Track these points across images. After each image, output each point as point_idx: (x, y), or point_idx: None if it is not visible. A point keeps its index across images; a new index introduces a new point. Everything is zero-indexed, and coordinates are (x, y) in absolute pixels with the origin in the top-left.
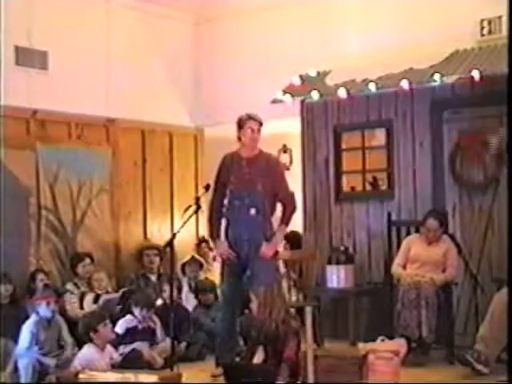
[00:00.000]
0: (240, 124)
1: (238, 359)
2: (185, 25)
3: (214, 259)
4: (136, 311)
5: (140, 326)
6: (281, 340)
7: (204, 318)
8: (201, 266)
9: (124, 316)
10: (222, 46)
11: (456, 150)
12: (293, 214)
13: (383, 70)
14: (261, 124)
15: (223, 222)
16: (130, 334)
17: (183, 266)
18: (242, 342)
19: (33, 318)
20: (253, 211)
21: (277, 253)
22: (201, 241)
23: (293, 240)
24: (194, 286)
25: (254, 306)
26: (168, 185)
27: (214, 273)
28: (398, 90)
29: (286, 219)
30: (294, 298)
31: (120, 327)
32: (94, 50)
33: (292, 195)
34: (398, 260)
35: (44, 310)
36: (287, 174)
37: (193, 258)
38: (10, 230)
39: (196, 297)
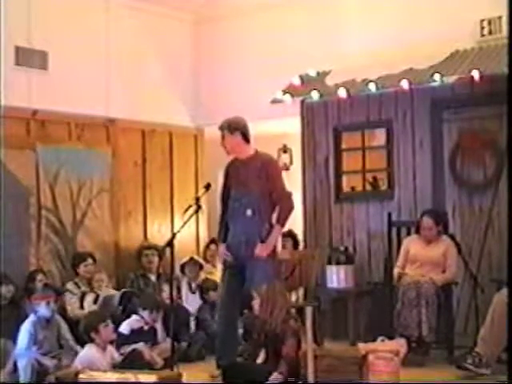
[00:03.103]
0: None
1: (239, 359)
2: (185, 24)
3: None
4: (144, 314)
5: (146, 328)
6: (280, 339)
7: (210, 317)
8: (200, 267)
9: (128, 316)
10: (222, 46)
11: (456, 149)
12: (289, 214)
13: (383, 70)
14: (228, 129)
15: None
16: (135, 335)
17: (182, 266)
18: (243, 343)
19: (31, 318)
20: (249, 212)
21: (274, 252)
22: (210, 242)
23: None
24: (198, 286)
25: (256, 303)
26: (168, 185)
27: (217, 273)
28: (397, 90)
29: (280, 219)
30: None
31: (125, 328)
32: (94, 50)
33: (288, 195)
34: (398, 263)
35: (43, 309)
36: (287, 174)
37: (192, 259)
38: (10, 230)
39: (201, 296)
